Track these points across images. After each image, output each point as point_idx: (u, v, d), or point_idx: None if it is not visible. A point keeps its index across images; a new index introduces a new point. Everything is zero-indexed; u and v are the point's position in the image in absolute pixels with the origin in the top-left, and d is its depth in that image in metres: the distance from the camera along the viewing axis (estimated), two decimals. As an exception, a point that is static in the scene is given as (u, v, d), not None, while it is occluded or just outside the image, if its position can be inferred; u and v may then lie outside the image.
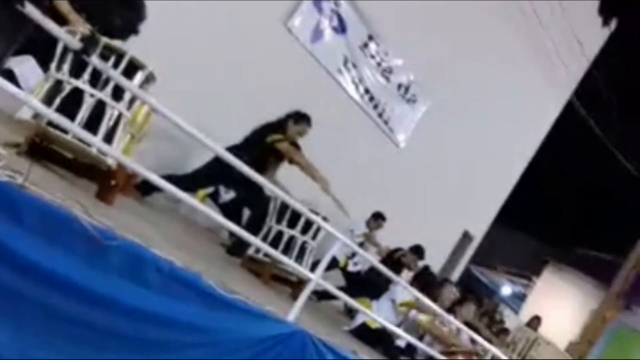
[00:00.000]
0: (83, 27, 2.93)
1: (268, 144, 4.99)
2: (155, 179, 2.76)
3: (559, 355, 10.23)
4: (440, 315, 4.99)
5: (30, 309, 2.40)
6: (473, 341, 5.55)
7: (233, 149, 4.98)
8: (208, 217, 3.21)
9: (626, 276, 12.81)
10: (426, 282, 5.76)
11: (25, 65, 3.04)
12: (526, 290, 17.72)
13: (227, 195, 5.11)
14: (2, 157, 2.46)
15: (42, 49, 2.85)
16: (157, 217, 4.46)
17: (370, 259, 4.63)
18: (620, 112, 11.52)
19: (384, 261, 6.71)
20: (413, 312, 5.21)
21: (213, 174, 4.81)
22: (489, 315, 9.87)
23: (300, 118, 5.08)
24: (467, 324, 6.07)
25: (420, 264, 6.98)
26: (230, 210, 5.08)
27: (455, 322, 5.07)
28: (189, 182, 4.88)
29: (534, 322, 10.11)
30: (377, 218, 6.96)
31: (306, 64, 6.75)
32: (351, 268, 6.76)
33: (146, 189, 4.65)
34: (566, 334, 13.60)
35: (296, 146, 5.22)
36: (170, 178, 4.59)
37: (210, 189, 5.11)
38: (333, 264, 5.96)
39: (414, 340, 4.62)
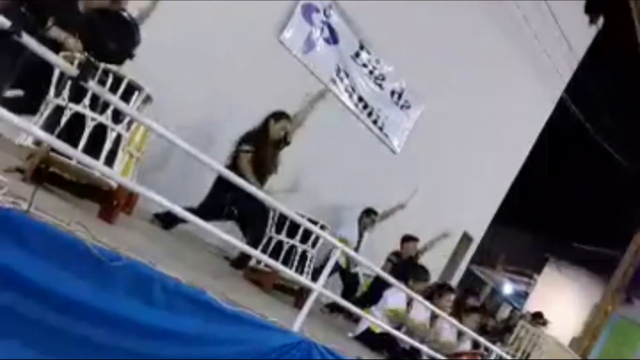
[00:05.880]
0: (79, 51, 2.99)
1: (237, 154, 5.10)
2: (156, 197, 2.81)
3: (563, 351, 10.25)
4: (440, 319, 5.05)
5: (38, 333, 2.44)
6: (476, 345, 5.60)
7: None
8: (212, 233, 3.25)
9: (625, 269, 12.88)
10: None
11: None
12: (528, 288, 17.76)
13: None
14: (4, 183, 2.50)
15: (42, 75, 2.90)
16: (159, 234, 4.51)
17: (369, 264, 4.68)
18: (610, 108, 11.63)
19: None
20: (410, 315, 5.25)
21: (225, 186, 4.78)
22: (491, 314, 9.90)
23: (279, 115, 5.23)
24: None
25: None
26: (238, 221, 5.14)
27: (453, 322, 5.11)
28: (213, 203, 4.91)
29: (537, 319, 10.11)
30: (370, 214, 6.97)
31: (300, 75, 6.83)
32: (352, 270, 6.82)
33: (167, 221, 4.69)
34: (569, 330, 13.63)
35: (279, 144, 5.26)
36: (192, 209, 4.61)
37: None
38: (335, 266, 5.98)
39: (416, 344, 4.66)
